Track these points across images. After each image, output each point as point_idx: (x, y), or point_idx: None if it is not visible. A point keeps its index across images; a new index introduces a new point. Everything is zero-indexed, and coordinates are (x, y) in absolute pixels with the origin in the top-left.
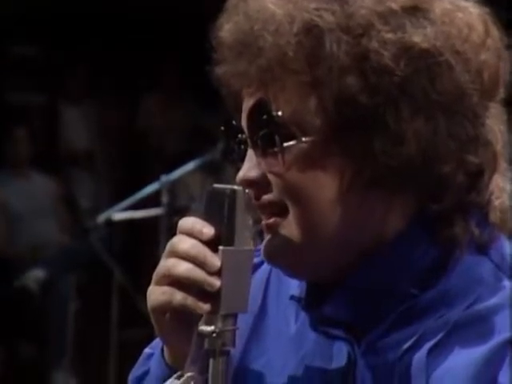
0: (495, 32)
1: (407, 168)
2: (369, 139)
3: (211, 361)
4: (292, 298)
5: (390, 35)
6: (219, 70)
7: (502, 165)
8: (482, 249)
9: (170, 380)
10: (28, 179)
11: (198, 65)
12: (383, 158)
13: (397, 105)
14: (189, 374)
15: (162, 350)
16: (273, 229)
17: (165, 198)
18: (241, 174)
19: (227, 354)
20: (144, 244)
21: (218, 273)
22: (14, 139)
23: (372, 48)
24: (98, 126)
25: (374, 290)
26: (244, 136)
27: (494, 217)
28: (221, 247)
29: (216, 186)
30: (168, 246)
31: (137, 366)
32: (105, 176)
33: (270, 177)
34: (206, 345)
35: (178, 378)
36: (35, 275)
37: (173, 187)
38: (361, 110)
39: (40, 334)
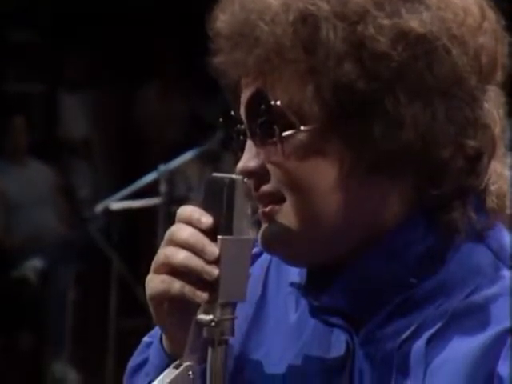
0: (491, 15)
1: (406, 153)
2: (367, 125)
3: (210, 350)
4: (292, 285)
5: (385, 21)
6: (217, 60)
7: (501, 149)
8: (480, 236)
9: (168, 369)
10: (26, 168)
11: (197, 54)
12: (382, 144)
13: (394, 90)
14: (187, 363)
15: (161, 338)
16: (270, 217)
17: (163, 188)
18: (240, 165)
19: (226, 342)
20: (142, 233)
21: (216, 262)
22: (13, 128)
23: (368, 34)
24: (96, 115)
25: (373, 279)
26: (243, 126)
27: (490, 202)
28: (219, 236)
29: (215, 175)
30: (167, 235)
31: (135, 354)
32: (103, 165)
33: (269, 167)
34: (204, 334)
35: (177, 367)
36: (33, 265)
37: (171, 176)
38: (359, 96)
39: (39, 323)
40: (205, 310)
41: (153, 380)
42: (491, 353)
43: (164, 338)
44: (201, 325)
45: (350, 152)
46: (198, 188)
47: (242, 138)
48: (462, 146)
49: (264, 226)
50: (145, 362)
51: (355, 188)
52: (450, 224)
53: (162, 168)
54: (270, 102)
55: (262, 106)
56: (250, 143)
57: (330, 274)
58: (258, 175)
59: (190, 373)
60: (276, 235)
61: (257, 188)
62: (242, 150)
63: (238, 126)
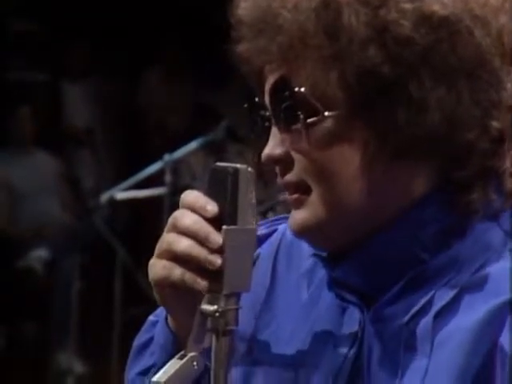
0: None
1: (431, 137)
2: (392, 110)
3: (214, 340)
4: (315, 255)
5: (407, 5)
6: (240, 48)
7: None
8: (495, 216)
9: (173, 360)
10: (31, 158)
11: (200, 42)
12: (407, 128)
13: (419, 74)
14: (191, 353)
15: (166, 317)
16: (297, 204)
17: (168, 178)
18: (266, 152)
19: (230, 333)
20: (147, 223)
21: (219, 250)
22: (18, 118)
23: (391, 19)
24: (100, 105)
25: (387, 256)
26: (267, 113)
27: (509, 184)
28: (224, 226)
29: (218, 164)
30: (170, 219)
31: (141, 333)
32: (107, 155)
33: (294, 154)
34: (208, 324)
35: (181, 357)
36: (38, 255)
37: (176, 166)
38: (383, 81)
39: (44, 313)
40: (209, 300)
41: (158, 359)
42: (494, 324)
43: (169, 318)
44: (205, 315)
45: (374, 138)
46: (202, 178)
47: (266, 124)
48: (487, 128)
49: (293, 212)
50: (150, 340)
51: (380, 173)
52: (469, 205)
53: (167, 158)
54: (293, 88)
55: (286, 93)
56: (274, 130)
57: (349, 250)
58: (284, 163)
59: (195, 363)
60: (304, 221)
61: (282, 176)
62: (267, 136)
63: (263, 112)
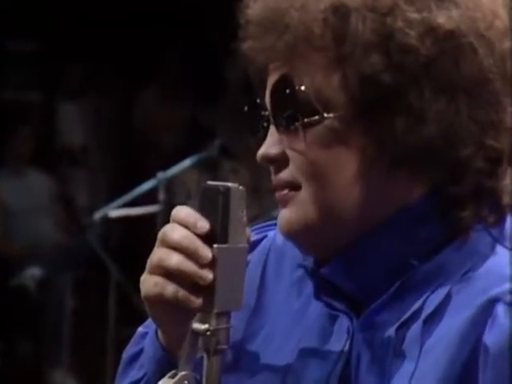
0: None
1: (428, 149)
2: (391, 118)
3: (205, 359)
4: (300, 266)
5: (415, 15)
6: (245, 46)
7: None
8: (486, 227)
9: (164, 379)
10: (25, 176)
11: (196, 60)
12: (405, 138)
13: (420, 85)
14: (183, 372)
15: (156, 330)
16: (285, 201)
17: (161, 195)
18: (261, 151)
19: (221, 352)
20: (141, 241)
21: (209, 265)
22: (13, 137)
23: (397, 27)
24: (94, 123)
25: (375, 260)
26: (267, 113)
27: (507, 199)
28: (215, 245)
29: (210, 183)
30: (160, 234)
31: (130, 344)
32: (101, 173)
33: (290, 154)
34: (200, 343)
35: (172, 376)
36: (32, 273)
37: (169, 184)
38: (384, 88)
39: (37, 332)
40: (200, 319)
41: (147, 372)
42: (478, 324)
43: (159, 330)
44: (196, 334)
45: (372, 144)
46: (196, 195)
47: (265, 124)
48: (483, 146)
49: (282, 210)
50: (140, 353)
51: (375, 182)
52: (461, 221)
53: (161, 176)
54: (295, 87)
55: (287, 91)
56: (272, 130)
57: (337, 252)
58: (279, 163)
59: (186, 382)
60: (293, 219)
61: (276, 174)
62: (265, 137)
63: (263, 112)
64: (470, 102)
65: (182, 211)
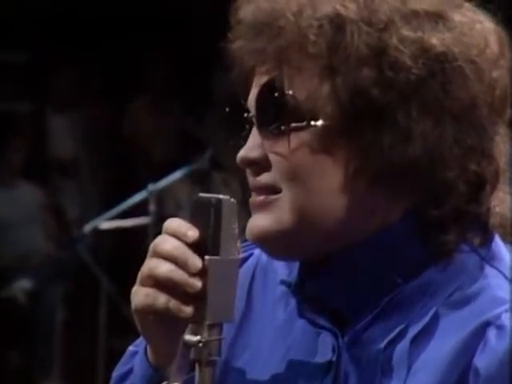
0: (508, 53)
1: (411, 168)
2: (377, 133)
3: (197, 371)
4: (282, 282)
5: (409, 33)
6: (234, 46)
7: (503, 180)
8: (473, 248)
9: None
10: (15, 188)
11: (185, 71)
12: (389, 154)
13: (408, 103)
14: (174, 383)
15: (146, 348)
16: (263, 206)
17: (152, 207)
18: (242, 153)
19: (213, 363)
20: (131, 253)
21: (199, 275)
22: (9, 149)
23: (391, 44)
24: (84, 134)
25: (357, 275)
26: (250, 115)
27: (494, 222)
28: (207, 257)
29: (201, 195)
30: (152, 245)
31: (120, 363)
32: (92, 185)
33: (272, 158)
34: (191, 355)
35: None
36: (22, 285)
37: (160, 196)
38: (372, 102)
39: (28, 343)
40: (192, 330)
41: None
42: (470, 347)
43: (148, 348)
44: (188, 345)
45: (355, 158)
46: (187, 207)
47: (247, 126)
48: (466, 170)
49: (254, 215)
50: (130, 371)
51: (356, 194)
52: (444, 245)
53: (151, 187)
54: (284, 91)
55: (276, 94)
56: (255, 132)
57: (320, 267)
58: (258, 166)
59: None
60: (265, 227)
61: (255, 176)
62: (246, 140)
63: (246, 114)
64: (456, 125)
65: (173, 222)
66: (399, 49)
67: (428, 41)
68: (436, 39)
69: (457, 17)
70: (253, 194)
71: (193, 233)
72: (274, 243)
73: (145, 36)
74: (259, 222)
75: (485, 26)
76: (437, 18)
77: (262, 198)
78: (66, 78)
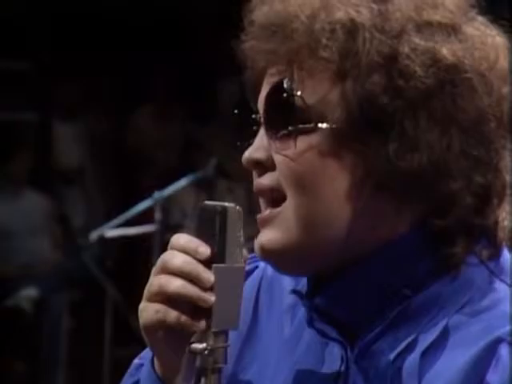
0: None
1: (417, 177)
2: (384, 140)
3: (203, 378)
4: (293, 292)
5: (421, 43)
6: (246, 45)
7: (510, 193)
8: (482, 261)
9: None
10: (21, 197)
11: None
12: (396, 162)
13: (416, 112)
14: None
15: (152, 361)
16: (268, 222)
17: (158, 215)
18: (247, 153)
19: (219, 371)
20: (137, 261)
21: (211, 289)
22: (15, 159)
23: (403, 52)
24: (89, 142)
25: (367, 288)
26: (258, 116)
27: (502, 236)
28: (213, 265)
29: (207, 202)
30: (159, 262)
31: (126, 376)
32: (97, 193)
33: (278, 160)
34: (197, 362)
35: None
36: (28, 294)
37: (166, 204)
38: (381, 110)
39: (33, 352)
40: (198, 338)
41: None
42: (482, 363)
43: (155, 360)
44: (194, 353)
45: (362, 164)
46: (192, 215)
47: (254, 128)
48: (472, 183)
49: (262, 232)
50: None
51: (361, 201)
52: (451, 257)
53: (157, 195)
54: (293, 92)
55: (285, 95)
56: (261, 133)
57: (329, 280)
58: (263, 167)
59: None
60: (273, 240)
61: (259, 178)
62: (252, 142)
63: (254, 115)
64: (463, 137)
65: (181, 238)
66: (410, 57)
67: (439, 51)
68: (447, 50)
69: (469, 30)
70: (260, 200)
71: (204, 249)
72: (283, 257)
73: (149, 44)
74: (266, 236)
75: (496, 40)
76: (449, 29)
77: (267, 213)
78: (70, 88)
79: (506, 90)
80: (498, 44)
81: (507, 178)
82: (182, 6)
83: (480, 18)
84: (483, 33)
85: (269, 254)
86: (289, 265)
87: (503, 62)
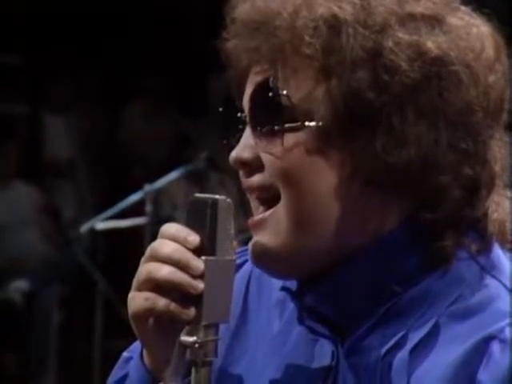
0: (504, 58)
1: (405, 171)
2: (371, 136)
3: (193, 371)
4: (283, 288)
5: (405, 37)
6: (230, 45)
7: (499, 184)
8: (472, 255)
9: None
10: (11, 189)
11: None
12: (383, 158)
13: (403, 107)
14: None
15: (141, 353)
16: (260, 225)
17: (149, 208)
18: (234, 153)
19: (209, 364)
20: (128, 254)
21: (200, 276)
22: (5, 151)
23: (387, 46)
24: (81, 135)
25: (357, 285)
26: (243, 115)
27: (492, 229)
28: (203, 257)
29: (197, 195)
30: (148, 250)
31: (115, 369)
32: (88, 185)
33: (265, 158)
34: (188, 355)
35: None
36: (18, 287)
37: (157, 196)
38: (367, 105)
39: (24, 345)
40: (188, 331)
41: None
42: (472, 360)
43: (145, 353)
44: (184, 346)
45: (350, 160)
46: (183, 207)
47: (240, 127)
48: (460, 175)
49: (254, 236)
50: (124, 377)
51: (350, 197)
52: (441, 251)
53: (148, 188)
54: (278, 91)
55: (270, 94)
56: (248, 133)
57: (318, 278)
58: (251, 167)
59: None
60: (265, 242)
61: (248, 177)
62: (238, 140)
63: (239, 114)
64: (451, 130)
65: (171, 227)
66: (395, 52)
67: (424, 44)
68: (432, 43)
69: (453, 20)
70: (250, 199)
71: (194, 238)
72: (276, 263)
73: (142, 39)
74: (258, 239)
75: (481, 29)
76: (433, 21)
77: (259, 217)
78: (62, 80)
79: (492, 78)
80: (482, 33)
81: (496, 168)
82: (180, 6)
83: (463, 9)
84: (467, 23)
85: (260, 257)
86: (282, 269)
87: (489, 51)
